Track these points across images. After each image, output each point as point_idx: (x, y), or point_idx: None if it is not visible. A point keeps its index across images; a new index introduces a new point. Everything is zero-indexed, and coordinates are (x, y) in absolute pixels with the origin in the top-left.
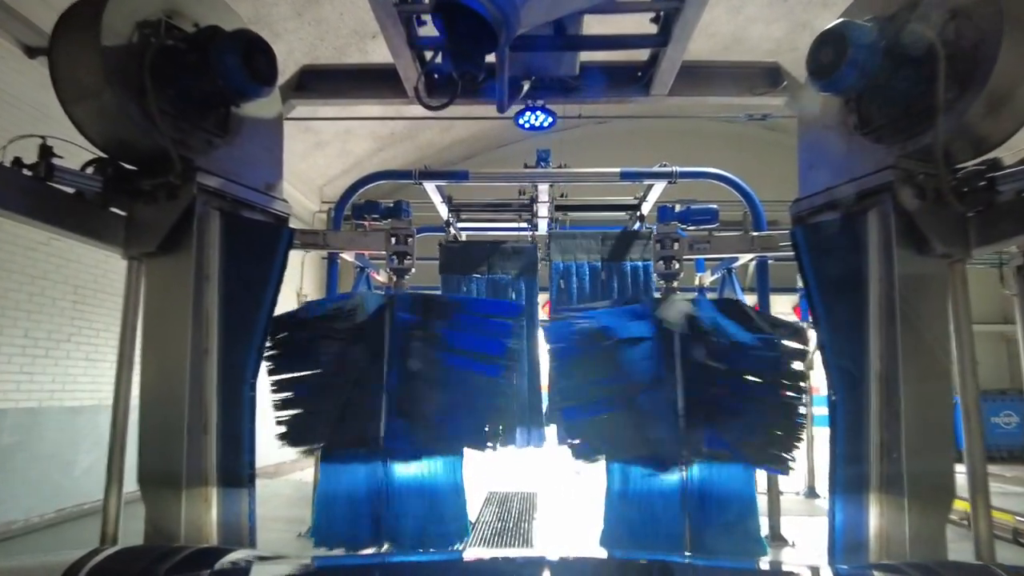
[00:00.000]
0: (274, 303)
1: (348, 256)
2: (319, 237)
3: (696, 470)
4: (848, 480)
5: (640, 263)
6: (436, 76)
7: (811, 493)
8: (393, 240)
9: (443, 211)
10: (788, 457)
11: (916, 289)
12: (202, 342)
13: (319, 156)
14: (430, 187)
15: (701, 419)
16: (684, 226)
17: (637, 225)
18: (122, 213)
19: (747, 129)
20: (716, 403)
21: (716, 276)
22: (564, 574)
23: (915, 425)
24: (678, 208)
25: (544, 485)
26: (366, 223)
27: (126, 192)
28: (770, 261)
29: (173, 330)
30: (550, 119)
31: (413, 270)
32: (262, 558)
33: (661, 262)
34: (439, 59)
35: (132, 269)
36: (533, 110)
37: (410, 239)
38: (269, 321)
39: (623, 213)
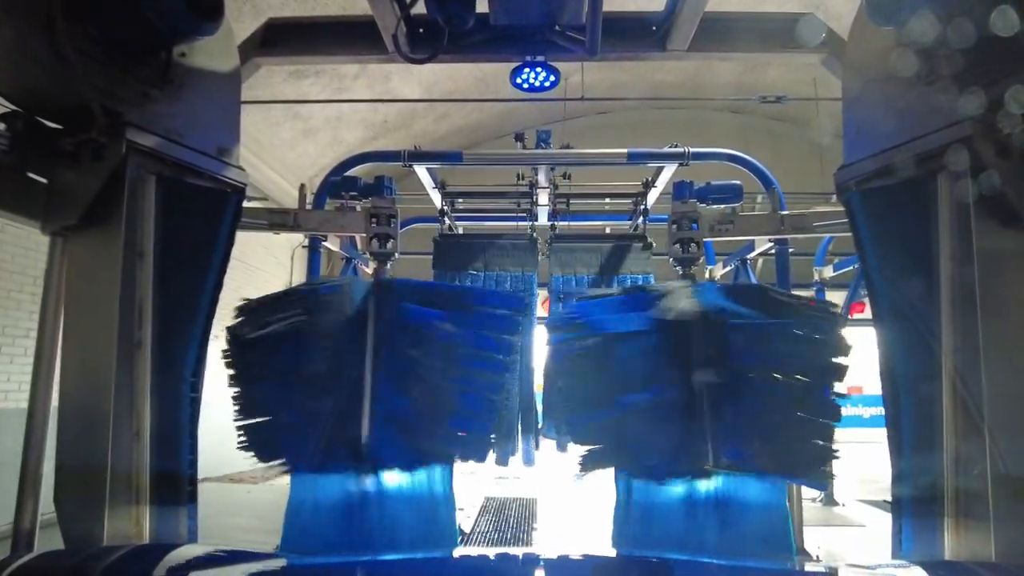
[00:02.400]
0: (219, 286)
1: (333, 245)
2: (289, 217)
3: (721, 482)
4: (917, 501)
5: (640, 277)
6: (421, 30)
7: (829, 500)
8: (374, 221)
9: (436, 198)
10: (827, 469)
11: (998, 269)
12: (134, 333)
13: (309, 144)
14: (421, 171)
15: (727, 423)
16: (703, 204)
17: (641, 219)
18: (43, 180)
19: (755, 121)
20: (744, 405)
21: (729, 268)
22: (564, 574)
23: (1001, 434)
24: (696, 185)
25: (544, 490)
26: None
27: (44, 153)
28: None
29: (98, 318)
30: (552, 77)
31: (397, 255)
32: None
33: (678, 245)
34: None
35: (55, 247)
36: (532, 66)
37: (393, 219)
38: (214, 308)
39: (628, 201)
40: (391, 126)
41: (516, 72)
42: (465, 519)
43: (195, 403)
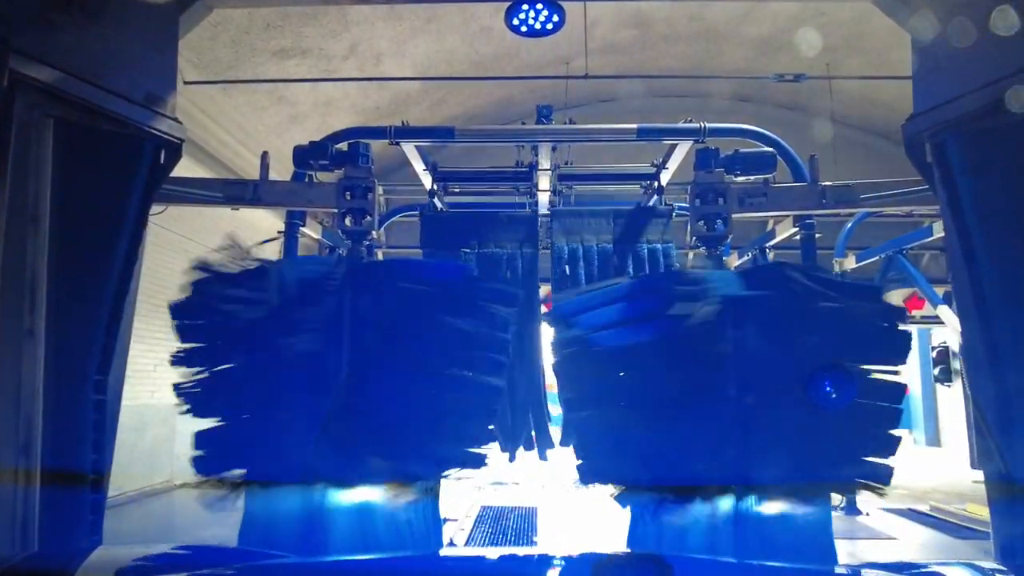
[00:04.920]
0: (134, 260)
1: (313, 231)
2: (248, 189)
3: (758, 504)
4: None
5: (660, 245)
6: None
7: (851, 509)
8: (347, 194)
9: (427, 181)
10: (886, 466)
11: None
12: (22, 318)
13: (296, 131)
14: (410, 150)
15: (768, 436)
16: (732, 176)
17: (654, 200)
18: None
19: (765, 110)
20: (792, 412)
21: (745, 258)
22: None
23: None
24: (723, 153)
25: (545, 498)
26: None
27: None
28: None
29: None
30: (556, 17)
31: (375, 233)
32: None
33: (702, 222)
34: None
35: None
36: (532, 3)
37: (370, 192)
38: (127, 288)
39: (637, 184)
40: (383, 112)
41: (513, 11)
42: (459, 531)
43: (103, 408)
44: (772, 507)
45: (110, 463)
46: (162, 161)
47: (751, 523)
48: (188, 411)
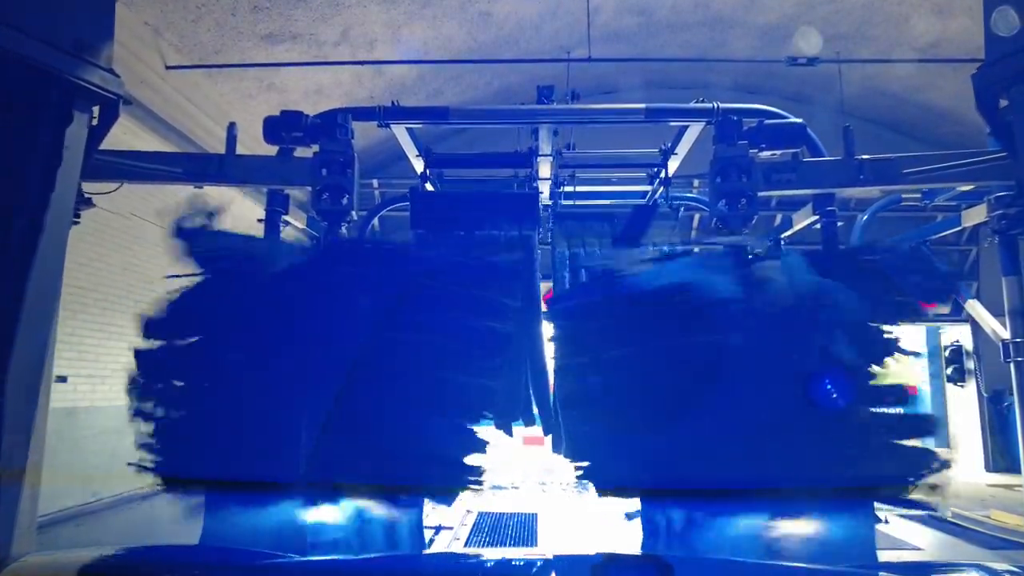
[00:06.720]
0: (41, 234)
1: (298, 220)
2: (213, 164)
3: (788, 515)
4: None
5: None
6: None
7: None
8: (324, 171)
9: (419, 166)
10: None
11: None
12: None
13: None
14: (401, 132)
15: (799, 435)
16: (756, 151)
17: (660, 192)
18: None
19: (770, 102)
20: (824, 409)
21: (757, 251)
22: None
23: None
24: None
25: (546, 503)
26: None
27: None
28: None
29: None
30: None
31: (354, 214)
32: None
33: (723, 201)
34: None
35: None
36: None
37: (349, 169)
38: (33, 271)
39: (643, 172)
40: (378, 101)
41: None
42: (454, 540)
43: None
44: (805, 512)
45: (19, 480)
46: (94, 120)
47: (777, 529)
48: (147, 408)
